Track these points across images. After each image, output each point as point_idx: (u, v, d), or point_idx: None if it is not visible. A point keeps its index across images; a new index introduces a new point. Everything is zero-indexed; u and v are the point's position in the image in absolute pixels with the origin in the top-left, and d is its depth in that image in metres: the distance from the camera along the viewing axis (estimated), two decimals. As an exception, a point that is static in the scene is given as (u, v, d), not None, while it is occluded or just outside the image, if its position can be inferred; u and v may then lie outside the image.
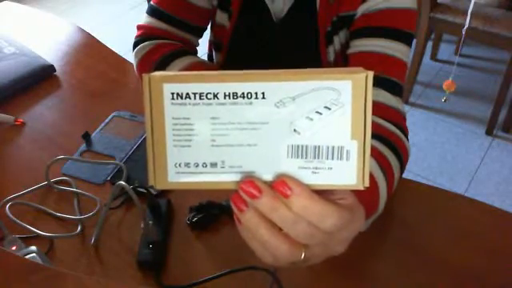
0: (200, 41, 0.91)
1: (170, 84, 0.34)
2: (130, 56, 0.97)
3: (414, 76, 2.20)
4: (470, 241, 0.64)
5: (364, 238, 0.66)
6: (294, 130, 0.34)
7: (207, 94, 0.34)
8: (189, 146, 0.35)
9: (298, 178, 0.35)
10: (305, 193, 0.34)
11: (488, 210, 0.70)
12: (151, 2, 0.84)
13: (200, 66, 0.81)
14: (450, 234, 0.66)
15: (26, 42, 1.10)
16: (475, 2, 1.82)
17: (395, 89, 0.71)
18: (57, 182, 0.75)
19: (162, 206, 0.68)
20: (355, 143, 0.34)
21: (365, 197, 0.47)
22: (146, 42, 0.82)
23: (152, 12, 0.83)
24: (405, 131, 0.71)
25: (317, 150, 0.35)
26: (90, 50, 1.09)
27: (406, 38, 0.72)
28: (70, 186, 0.74)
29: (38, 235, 0.66)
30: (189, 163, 0.35)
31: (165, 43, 0.82)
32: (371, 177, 0.56)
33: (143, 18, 0.84)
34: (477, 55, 2.57)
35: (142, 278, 0.62)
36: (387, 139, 0.65)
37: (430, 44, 2.48)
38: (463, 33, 1.80)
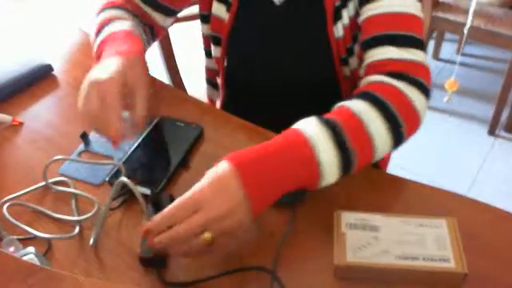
0: (197, 36, 0.90)
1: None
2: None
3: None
4: (472, 242, 0.63)
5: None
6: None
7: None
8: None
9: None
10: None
11: (490, 210, 0.69)
12: None
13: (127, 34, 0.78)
14: (453, 235, 0.66)
15: (23, 41, 1.09)
16: (477, 1, 1.82)
17: (401, 41, 0.72)
18: (55, 183, 0.74)
19: (164, 202, 0.67)
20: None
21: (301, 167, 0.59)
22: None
23: None
24: (416, 78, 0.70)
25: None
26: (87, 49, 1.08)
27: None
28: (68, 186, 0.74)
29: (36, 236, 0.66)
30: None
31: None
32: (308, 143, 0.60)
33: None
34: (479, 54, 2.56)
35: (140, 278, 0.62)
36: (374, 96, 0.67)
37: (431, 43, 2.48)
38: (465, 32, 1.79)
